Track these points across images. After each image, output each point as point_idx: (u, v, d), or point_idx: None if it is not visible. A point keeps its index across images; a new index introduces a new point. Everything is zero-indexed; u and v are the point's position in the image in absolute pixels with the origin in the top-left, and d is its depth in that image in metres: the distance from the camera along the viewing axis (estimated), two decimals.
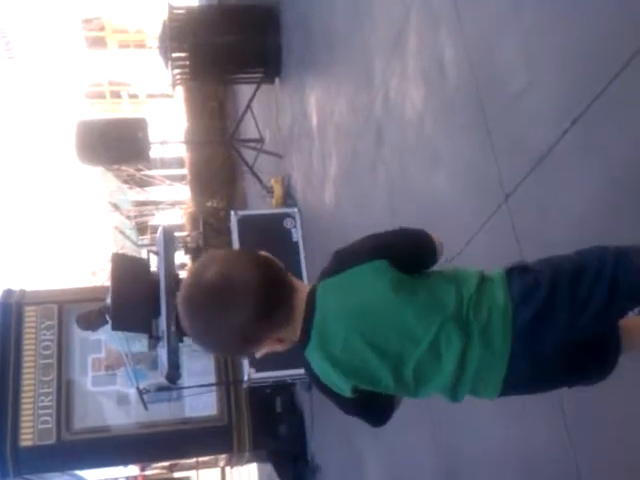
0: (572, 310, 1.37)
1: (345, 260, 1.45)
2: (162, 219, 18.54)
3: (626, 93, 2.06)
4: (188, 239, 12.70)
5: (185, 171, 15.67)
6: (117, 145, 7.46)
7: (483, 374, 1.41)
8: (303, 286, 1.47)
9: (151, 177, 17.06)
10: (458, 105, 3.26)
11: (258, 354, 1.46)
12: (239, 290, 1.36)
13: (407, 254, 1.47)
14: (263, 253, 1.46)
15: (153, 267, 6.88)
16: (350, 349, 1.41)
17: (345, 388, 1.43)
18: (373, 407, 1.51)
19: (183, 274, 10.18)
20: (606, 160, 2.20)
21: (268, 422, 8.07)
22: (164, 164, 17.79)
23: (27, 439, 8.68)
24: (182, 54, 7.58)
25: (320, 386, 1.48)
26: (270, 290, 1.38)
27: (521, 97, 2.64)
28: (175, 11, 7.66)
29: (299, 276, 6.03)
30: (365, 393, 1.45)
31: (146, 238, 20.00)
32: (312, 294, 1.44)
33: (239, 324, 1.36)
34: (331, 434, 6.54)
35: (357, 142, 4.97)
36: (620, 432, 2.18)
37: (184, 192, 16.74)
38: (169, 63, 7.57)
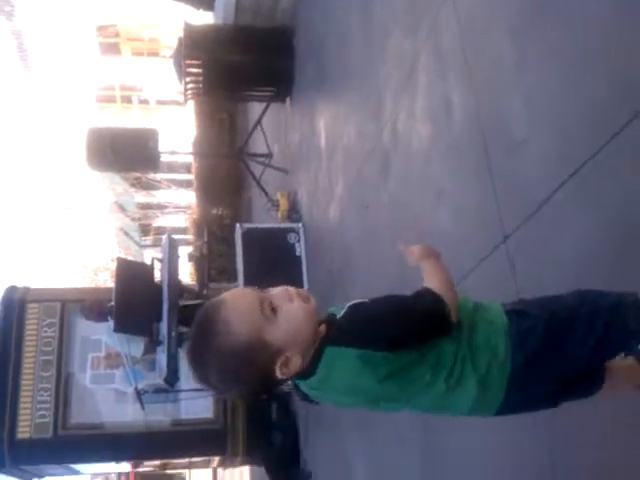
0: (561, 360, 1.47)
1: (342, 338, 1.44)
2: (166, 222, 18.67)
3: (623, 152, 2.16)
4: (192, 248, 12.87)
5: (192, 177, 15.85)
6: (127, 153, 7.60)
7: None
8: None
9: (157, 181, 17.24)
10: (463, 145, 3.38)
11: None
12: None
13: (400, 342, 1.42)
14: None
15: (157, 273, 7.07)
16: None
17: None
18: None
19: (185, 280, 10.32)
20: (601, 212, 2.30)
21: (263, 428, 8.23)
22: (171, 168, 17.98)
23: (24, 432, 8.77)
24: (196, 70, 7.73)
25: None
26: None
27: (524, 144, 2.74)
28: (191, 28, 7.83)
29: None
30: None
31: (149, 239, 20.10)
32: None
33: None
34: (324, 443, 6.68)
35: (363, 167, 5.13)
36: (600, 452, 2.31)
37: (189, 197, 16.89)
38: (183, 77, 7.75)
